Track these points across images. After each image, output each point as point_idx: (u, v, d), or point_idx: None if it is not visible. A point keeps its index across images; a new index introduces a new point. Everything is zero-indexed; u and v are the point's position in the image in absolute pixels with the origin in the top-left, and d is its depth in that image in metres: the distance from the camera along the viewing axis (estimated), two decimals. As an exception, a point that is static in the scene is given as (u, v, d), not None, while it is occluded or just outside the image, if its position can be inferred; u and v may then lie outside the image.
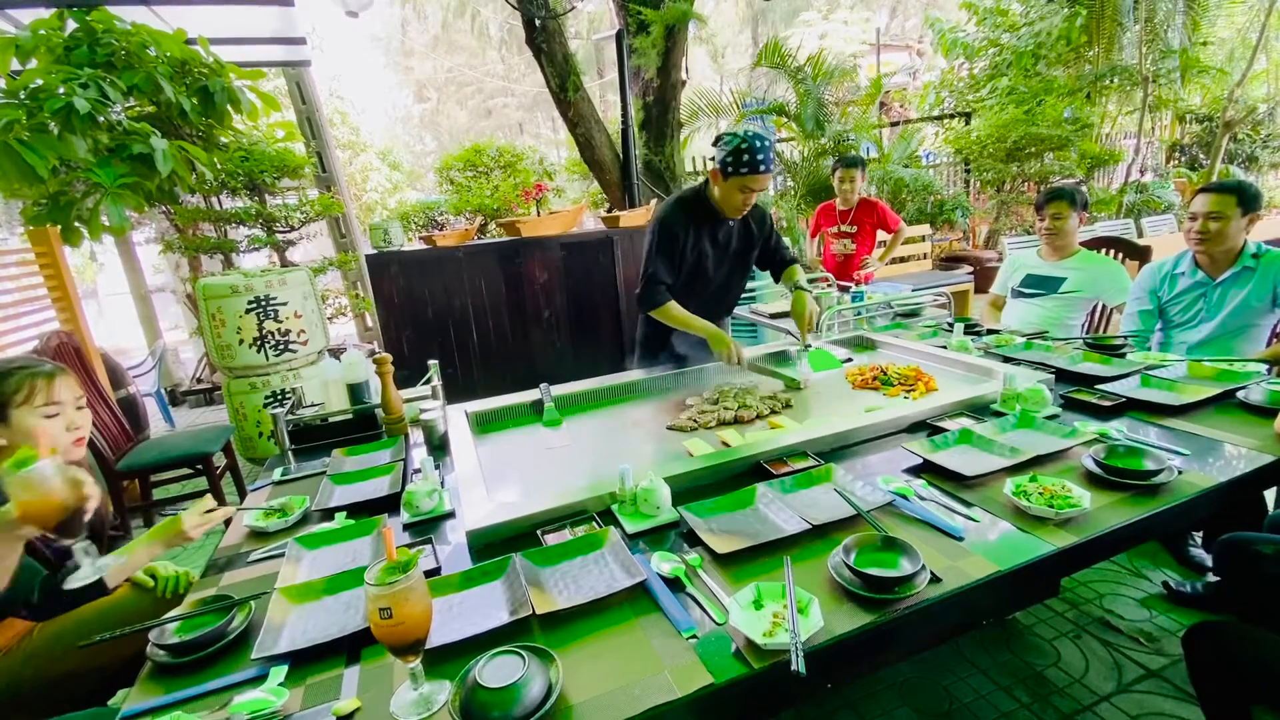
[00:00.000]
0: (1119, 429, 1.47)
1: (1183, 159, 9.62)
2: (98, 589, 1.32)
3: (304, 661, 0.95)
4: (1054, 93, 7.30)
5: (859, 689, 1.79)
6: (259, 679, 0.92)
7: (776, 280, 2.34)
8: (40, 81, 2.34)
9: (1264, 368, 1.77)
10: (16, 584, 1.23)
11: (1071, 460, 1.35)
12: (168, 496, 3.24)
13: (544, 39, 4.71)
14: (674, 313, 2.09)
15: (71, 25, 2.57)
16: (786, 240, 2.39)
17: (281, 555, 1.25)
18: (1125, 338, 2.26)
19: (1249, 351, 2.14)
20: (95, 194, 2.48)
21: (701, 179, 2.14)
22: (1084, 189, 4.28)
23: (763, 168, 1.93)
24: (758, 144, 1.92)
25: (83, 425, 1.43)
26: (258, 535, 1.38)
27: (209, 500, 1.42)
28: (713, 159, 2.01)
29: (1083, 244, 2.78)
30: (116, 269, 6.00)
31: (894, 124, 8.35)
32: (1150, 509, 1.16)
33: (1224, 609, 1.97)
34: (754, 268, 2.34)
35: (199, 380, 5.70)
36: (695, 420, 1.71)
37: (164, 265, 6.52)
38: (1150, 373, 1.78)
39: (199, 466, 3.03)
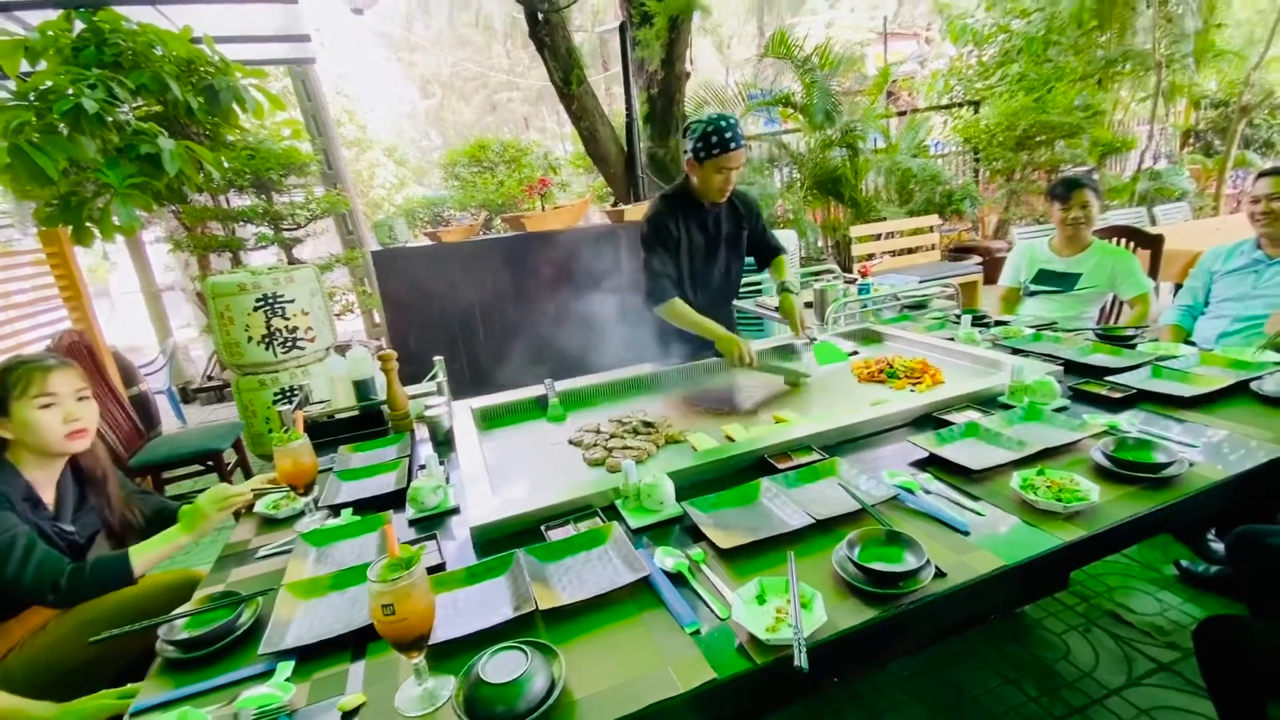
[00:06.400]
0: (1129, 421, 1.45)
1: (1197, 145, 9.46)
2: (124, 579, 1.35)
3: (310, 657, 0.96)
4: (1065, 79, 7.19)
5: (866, 683, 1.78)
6: (266, 674, 0.93)
7: (762, 268, 2.38)
8: (50, 83, 2.35)
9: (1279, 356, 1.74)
10: (43, 572, 1.27)
11: (1080, 453, 1.34)
12: (180, 493, 3.28)
13: (547, 32, 4.69)
14: (680, 310, 2.09)
15: (79, 26, 2.58)
16: (787, 234, 2.41)
17: (289, 551, 1.26)
18: (1137, 330, 2.23)
19: None
20: (105, 194, 2.50)
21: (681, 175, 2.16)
22: (1095, 177, 4.19)
23: (733, 145, 1.96)
24: (723, 124, 1.95)
25: (82, 417, 1.45)
26: (268, 523, 1.41)
27: (224, 487, 1.47)
28: (686, 151, 2.04)
29: (1095, 233, 2.74)
30: (128, 268, 6.07)
31: (901, 113, 8.26)
32: (1161, 502, 1.14)
33: (1236, 597, 1.95)
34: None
35: (210, 378, 5.76)
36: (602, 447, 1.61)
37: (174, 264, 6.58)
38: (1161, 363, 1.75)
39: (210, 463, 3.07)
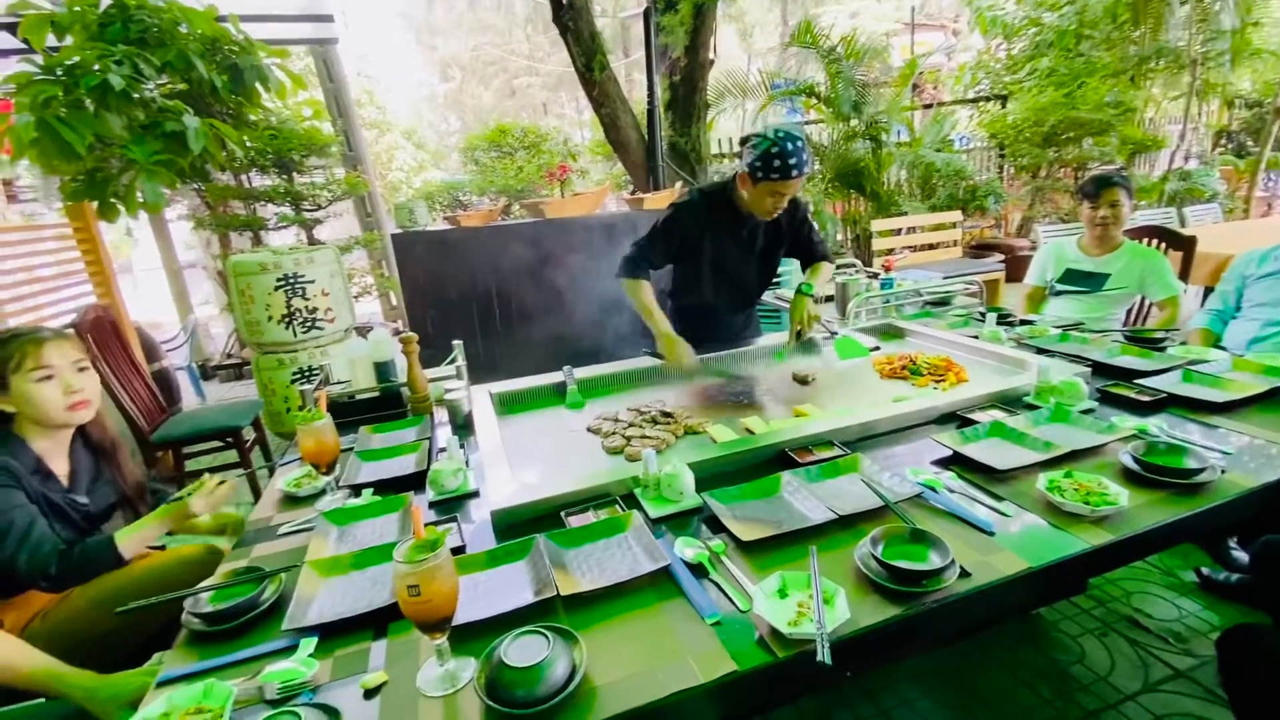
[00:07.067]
0: (1159, 425, 1.42)
1: (1229, 146, 9.22)
2: (113, 562, 1.36)
3: (333, 634, 0.97)
4: (1096, 75, 7.02)
5: (878, 678, 1.78)
6: (289, 649, 0.94)
7: (804, 270, 2.26)
8: (77, 59, 2.36)
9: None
10: (36, 556, 1.28)
11: (1108, 456, 1.31)
12: (199, 468, 3.33)
13: (571, 17, 4.64)
14: (641, 294, 2.01)
15: (106, 1, 2.59)
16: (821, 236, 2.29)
17: (310, 529, 1.27)
18: (1166, 333, 2.18)
19: None
20: (131, 170, 2.52)
21: (729, 164, 2.08)
22: (1125, 175, 4.03)
23: (795, 172, 1.78)
24: (789, 146, 1.77)
25: (83, 389, 1.44)
26: (290, 500, 1.42)
27: (212, 480, 1.49)
28: (741, 163, 1.88)
29: (1126, 233, 2.68)
30: (150, 245, 6.12)
31: (927, 106, 8.12)
32: (1191, 509, 1.12)
33: (1257, 606, 1.93)
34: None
35: (229, 355, 5.82)
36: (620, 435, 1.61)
37: (195, 242, 6.64)
38: (1193, 368, 1.72)
39: (229, 440, 3.11)
